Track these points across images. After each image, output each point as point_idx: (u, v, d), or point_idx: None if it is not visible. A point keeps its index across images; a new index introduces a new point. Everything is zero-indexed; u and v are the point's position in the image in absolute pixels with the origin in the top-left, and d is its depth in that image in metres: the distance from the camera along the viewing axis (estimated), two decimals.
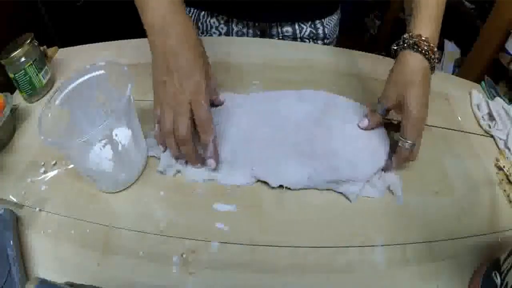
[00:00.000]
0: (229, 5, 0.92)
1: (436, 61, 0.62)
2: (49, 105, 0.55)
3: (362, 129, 0.68)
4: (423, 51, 0.60)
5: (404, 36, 0.63)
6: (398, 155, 0.62)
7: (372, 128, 0.68)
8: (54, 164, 0.64)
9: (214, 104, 0.71)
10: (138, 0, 0.60)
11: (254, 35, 0.99)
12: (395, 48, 0.65)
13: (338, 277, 0.53)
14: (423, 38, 0.60)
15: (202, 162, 0.62)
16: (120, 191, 0.61)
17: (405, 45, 0.62)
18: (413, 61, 0.61)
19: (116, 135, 0.55)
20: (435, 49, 0.61)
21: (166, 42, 0.57)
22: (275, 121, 0.68)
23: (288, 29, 0.97)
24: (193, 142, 0.58)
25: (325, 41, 1.02)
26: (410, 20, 0.66)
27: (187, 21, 0.60)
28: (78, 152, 0.57)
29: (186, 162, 0.63)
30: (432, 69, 0.63)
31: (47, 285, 0.43)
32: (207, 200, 0.60)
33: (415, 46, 0.60)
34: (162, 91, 0.58)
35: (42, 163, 0.64)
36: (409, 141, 0.60)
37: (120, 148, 0.57)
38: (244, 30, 0.98)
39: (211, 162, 0.61)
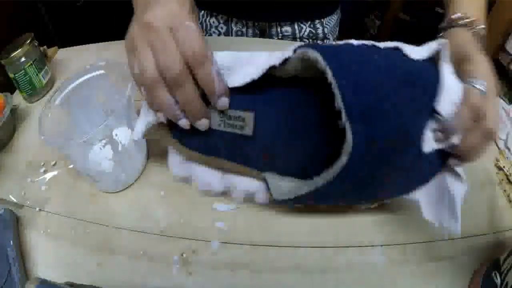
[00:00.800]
0: (229, 5, 0.92)
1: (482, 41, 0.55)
2: (49, 105, 0.55)
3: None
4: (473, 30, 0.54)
5: (453, 17, 0.57)
6: (464, 104, 0.43)
7: None
8: (54, 164, 0.64)
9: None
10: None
11: (254, 35, 0.99)
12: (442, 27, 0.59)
13: (338, 277, 0.53)
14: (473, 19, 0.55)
15: (207, 116, 0.43)
16: (120, 191, 0.61)
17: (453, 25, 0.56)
18: (464, 37, 0.54)
19: (116, 135, 0.55)
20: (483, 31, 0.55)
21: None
22: None
23: (287, 29, 0.97)
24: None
25: (325, 41, 1.02)
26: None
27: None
28: (78, 152, 0.57)
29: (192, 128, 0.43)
30: None
31: (47, 285, 0.43)
32: (207, 200, 0.60)
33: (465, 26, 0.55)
34: (134, 28, 0.43)
35: (42, 163, 0.64)
36: (480, 80, 0.45)
37: (120, 148, 0.57)
38: (244, 30, 0.98)
39: (224, 100, 0.42)
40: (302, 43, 0.42)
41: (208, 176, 0.48)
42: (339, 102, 0.36)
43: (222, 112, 0.43)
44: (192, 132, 0.44)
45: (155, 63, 0.40)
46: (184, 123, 0.43)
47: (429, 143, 0.41)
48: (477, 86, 0.44)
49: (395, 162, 0.41)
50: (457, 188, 0.46)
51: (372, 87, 0.38)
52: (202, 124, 0.43)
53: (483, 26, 0.55)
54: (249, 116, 0.43)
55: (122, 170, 0.60)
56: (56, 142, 0.52)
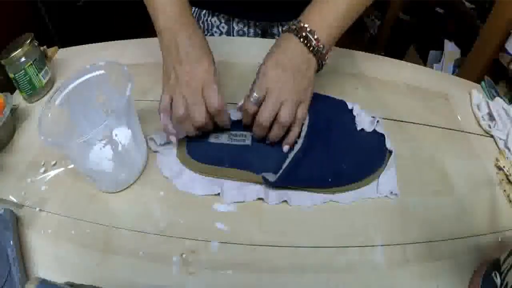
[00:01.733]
0: (230, 4, 0.92)
1: (320, 56, 0.62)
2: (49, 105, 0.55)
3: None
4: (300, 36, 0.61)
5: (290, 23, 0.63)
6: (241, 106, 0.64)
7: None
8: (54, 164, 0.64)
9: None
10: (151, 7, 0.64)
11: (255, 35, 0.99)
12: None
13: (338, 277, 0.53)
14: (306, 27, 0.61)
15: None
16: (120, 191, 0.61)
17: (288, 29, 0.63)
18: (286, 37, 0.62)
19: (116, 135, 0.55)
20: (320, 42, 0.61)
21: (176, 38, 0.61)
22: None
23: None
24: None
25: None
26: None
27: (195, 24, 0.65)
28: (78, 152, 0.57)
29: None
30: (319, 65, 0.63)
31: (47, 285, 0.43)
32: (207, 200, 0.60)
33: (296, 31, 0.61)
34: (173, 78, 0.61)
35: (42, 163, 0.64)
36: (254, 93, 0.60)
37: (120, 148, 0.57)
38: (245, 29, 0.98)
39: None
40: None
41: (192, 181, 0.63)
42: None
43: (230, 132, 0.67)
44: (203, 149, 0.65)
45: (186, 110, 0.59)
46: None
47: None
48: (250, 99, 0.61)
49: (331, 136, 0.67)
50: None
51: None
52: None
53: (314, 36, 0.61)
54: (249, 134, 0.67)
55: (122, 170, 0.60)
56: (56, 143, 0.52)
